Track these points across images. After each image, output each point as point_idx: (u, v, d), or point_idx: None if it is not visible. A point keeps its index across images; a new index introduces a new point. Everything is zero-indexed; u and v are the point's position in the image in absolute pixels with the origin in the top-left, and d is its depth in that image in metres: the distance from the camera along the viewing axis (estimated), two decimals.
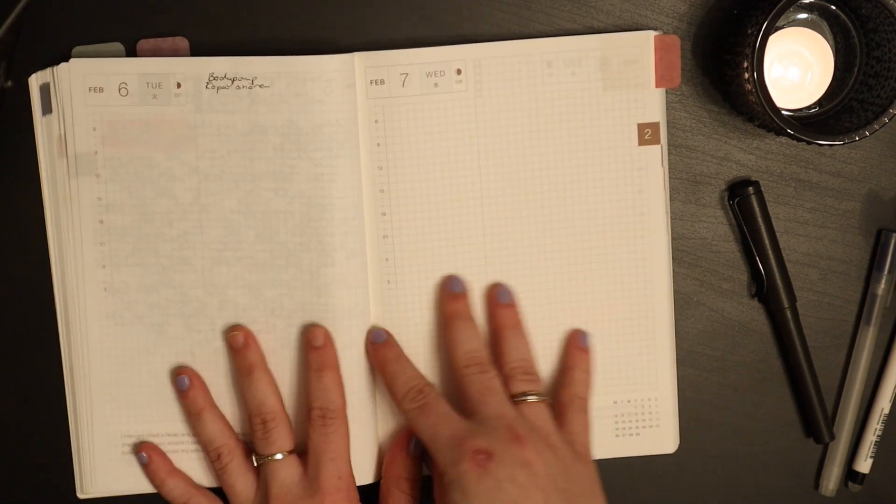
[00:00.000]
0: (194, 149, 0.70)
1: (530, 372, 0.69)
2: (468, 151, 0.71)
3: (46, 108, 0.71)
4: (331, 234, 0.70)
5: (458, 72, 0.71)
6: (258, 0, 0.72)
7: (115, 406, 0.72)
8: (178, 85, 0.69)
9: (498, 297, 0.71)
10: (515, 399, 0.68)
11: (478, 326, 0.71)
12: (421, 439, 0.68)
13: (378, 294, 0.72)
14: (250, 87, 0.69)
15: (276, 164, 0.70)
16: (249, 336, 0.71)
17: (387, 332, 0.71)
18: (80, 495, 0.74)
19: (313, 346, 0.70)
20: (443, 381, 0.73)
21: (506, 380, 0.69)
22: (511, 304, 0.71)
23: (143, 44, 0.71)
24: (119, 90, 0.70)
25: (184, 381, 0.71)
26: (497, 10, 0.72)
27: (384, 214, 0.71)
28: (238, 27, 0.72)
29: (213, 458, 0.71)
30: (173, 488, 0.72)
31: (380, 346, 0.71)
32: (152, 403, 0.72)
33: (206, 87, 0.69)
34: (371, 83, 0.70)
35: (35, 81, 0.71)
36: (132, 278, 0.71)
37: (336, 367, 0.70)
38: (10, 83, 0.70)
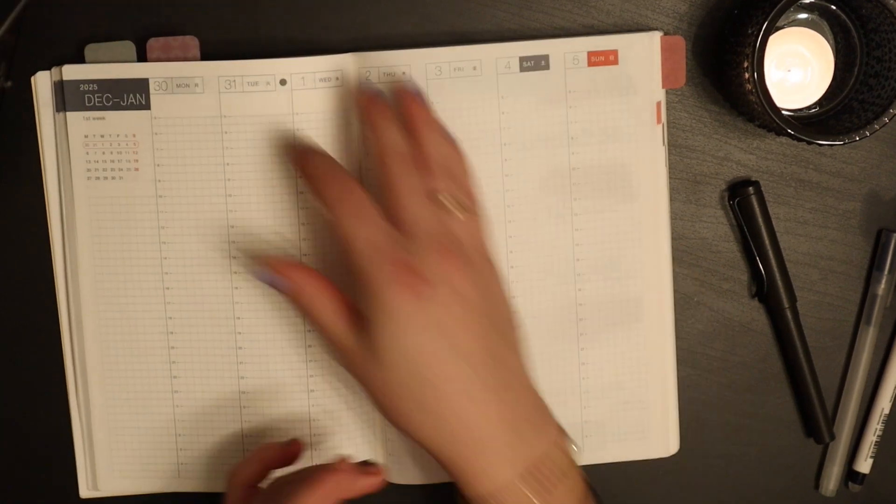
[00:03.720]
0: None
1: (454, 174, 0.65)
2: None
3: (61, 106, 0.70)
4: None
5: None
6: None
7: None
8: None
9: (406, 87, 0.66)
10: (434, 198, 0.63)
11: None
12: (340, 240, 0.62)
13: None
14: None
15: None
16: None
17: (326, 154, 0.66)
18: (84, 494, 0.74)
19: None
20: None
21: (427, 178, 0.63)
22: (424, 103, 0.65)
23: (153, 42, 0.70)
24: None
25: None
26: (497, 9, 0.72)
27: None
28: (239, 26, 0.72)
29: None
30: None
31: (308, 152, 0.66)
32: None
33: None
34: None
35: (48, 77, 0.70)
36: None
37: None
38: (10, 83, 0.70)
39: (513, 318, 0.65)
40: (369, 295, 0.61)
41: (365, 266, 0.60)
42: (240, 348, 0.72)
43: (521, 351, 0.66)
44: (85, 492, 0.74)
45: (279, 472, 0.67)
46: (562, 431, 0.65)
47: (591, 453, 0.74)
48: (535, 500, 0.62)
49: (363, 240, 0.60)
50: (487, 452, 0.62)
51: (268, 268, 0.64)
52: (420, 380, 0.61)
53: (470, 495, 0.62)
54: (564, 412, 0.73)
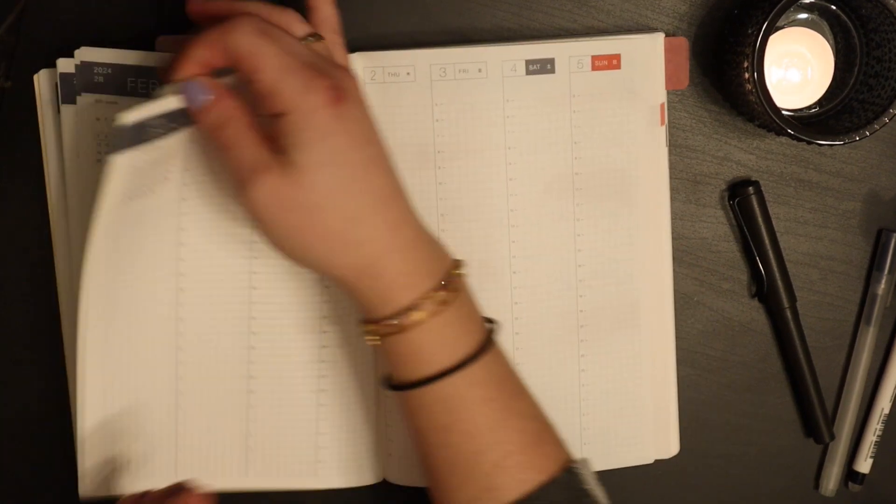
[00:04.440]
0: None
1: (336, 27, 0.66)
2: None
3: (70, 95, 0.68)
4: None
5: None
6: None
7: None
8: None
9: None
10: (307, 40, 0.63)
11: None
12: (267, 70, 0.59)
13: None
14: None
15: None
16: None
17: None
18: (83, 494, 0.74)
19: None
20: None
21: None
22: None
23: (161, 39, 0.70)
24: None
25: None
26: (497, 9, 0.72)
27: None
28: None
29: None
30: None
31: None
32: None
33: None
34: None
35: (50, 75, 0.68)
36: None
37: None
38: (9, 83, 0.70)
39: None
40: (286, 105, 0.59)
41: (278, 81, 0.59)
42: (252, 348, 0.71)
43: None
44: (85, 492, 0.74)
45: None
46: (458, 262, 0.65)
47: (591, 461, 0.74)
48: (431, 318, 0.62)
49: (273, 56, 0.59)
50: (393, 284, 0.62)
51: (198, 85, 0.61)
52: (338, 191, 0.60)
53: (375, 317, 0.63)
54: (563, 420, 0.73)
